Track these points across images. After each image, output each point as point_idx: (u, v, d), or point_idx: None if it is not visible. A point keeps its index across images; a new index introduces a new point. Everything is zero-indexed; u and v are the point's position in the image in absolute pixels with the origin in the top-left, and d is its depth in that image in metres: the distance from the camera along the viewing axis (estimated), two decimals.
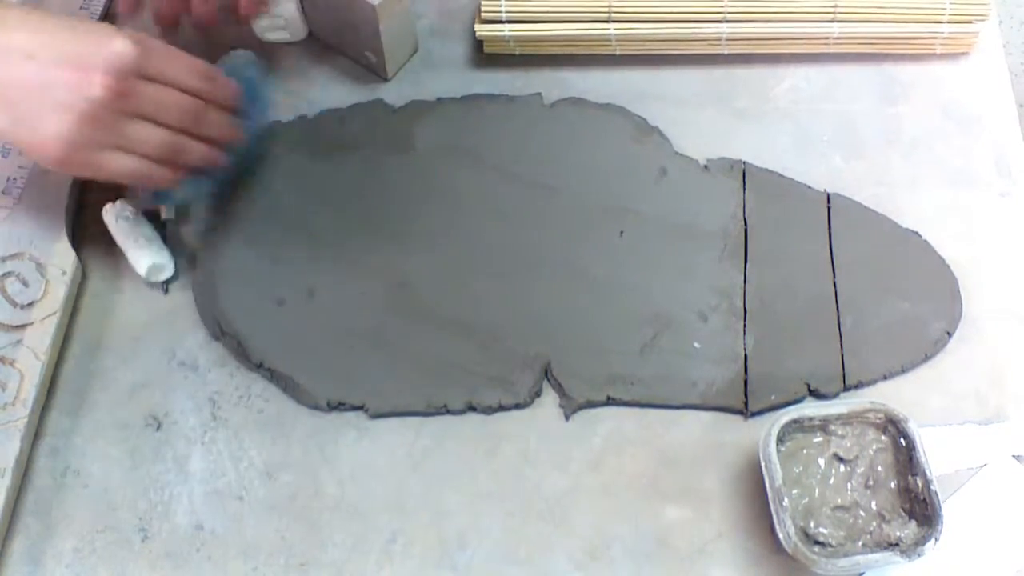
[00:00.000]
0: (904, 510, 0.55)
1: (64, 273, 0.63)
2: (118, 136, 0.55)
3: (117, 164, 0.56)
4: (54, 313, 0.62)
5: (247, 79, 0.63)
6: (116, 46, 0.54)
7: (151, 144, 0.57)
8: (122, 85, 0.54)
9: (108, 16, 0.73)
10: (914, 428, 0.55)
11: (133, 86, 0.55)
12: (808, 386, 0.61)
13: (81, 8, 0.73)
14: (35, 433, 0.60)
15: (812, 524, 0.55)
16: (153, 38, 0.57)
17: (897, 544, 0.54)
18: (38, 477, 0.59)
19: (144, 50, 0.55)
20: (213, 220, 0.66)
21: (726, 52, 0.71)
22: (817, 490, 0.56)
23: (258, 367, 0.62)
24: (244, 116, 0.62)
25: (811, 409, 0.56)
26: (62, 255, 0.63)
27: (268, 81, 0.65)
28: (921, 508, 0.54)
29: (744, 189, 0.66)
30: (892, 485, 0.56)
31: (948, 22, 0.69)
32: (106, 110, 0.54)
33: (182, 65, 0.58)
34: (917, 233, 0.65)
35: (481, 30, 0.70)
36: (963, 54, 0.72)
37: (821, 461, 0.56)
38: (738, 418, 0.61)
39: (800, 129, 0.70)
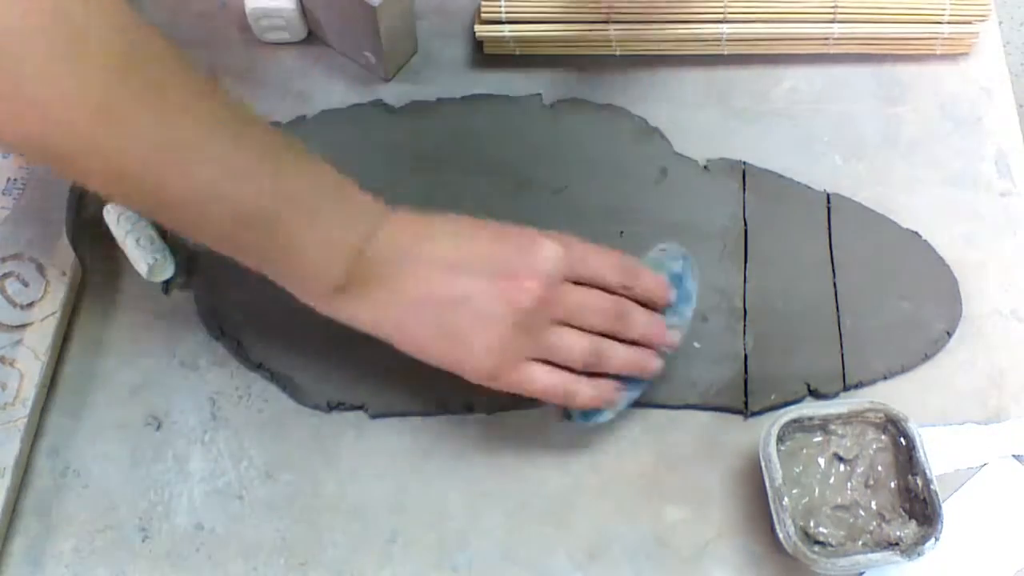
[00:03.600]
0: (904, 510, 0.55)
1: (64, 273, 0.63)
2: (545, 346, 0.52)
3: (544, 379, 0.52)
4: (54, 313, 0.62)
5: (673, 273, 0.57)
6: (544, 251, 0.52)
7: (576, 351, 0.53)
8: (551, 292, 0.51)
9: None
10: (914, 428, 0.55)
11: (561, 292, 0.52)
12: (808, 386, 0.61)
13: None
14: (35, 433, 0.60)
15: (812, 524, 0.55)
16: (573, 236, 0.54)
17: (897, 544, 0.54)
18: (38, 477, 0.59)
19: (569, 253, 0.52)
20: None
21: (726, 52, 0.71)
22: (817, 490, 0.56)
23: (258, 367, 0.62)
24: (669, 312, 0.57)
25: (811, 409, 0.56)
26: (62, 255, 0.63)
27: (695, 273, 0.58)
28: (921, 508, 0.54)
29: (744, 189, 0.66)
30: (892, 485, 0.56)
31: (948, 22, 0.69)
32: (534, 319, 0.51)
33: (607, 264, 0.54)
34: (917, 233, 0.65)
35: (481, 30, 0.70)
36: (963, 54, 0.72)
37: (821, 461, 0.56)
38: (738, 418, 0.61)
39: (800, 129, 0.69)
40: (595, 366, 0.54)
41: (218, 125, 0.48)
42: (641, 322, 0.55)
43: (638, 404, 0.60)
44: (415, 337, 0.52)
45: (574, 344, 0.53)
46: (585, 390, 0.54)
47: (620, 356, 0.54)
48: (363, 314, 0.52)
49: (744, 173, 0.67)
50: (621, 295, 0.54)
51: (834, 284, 0.63)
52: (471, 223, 0.54)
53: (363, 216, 0.52)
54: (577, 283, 0.53)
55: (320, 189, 0.51)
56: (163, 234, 0.65)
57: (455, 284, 0.51)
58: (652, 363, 0.55)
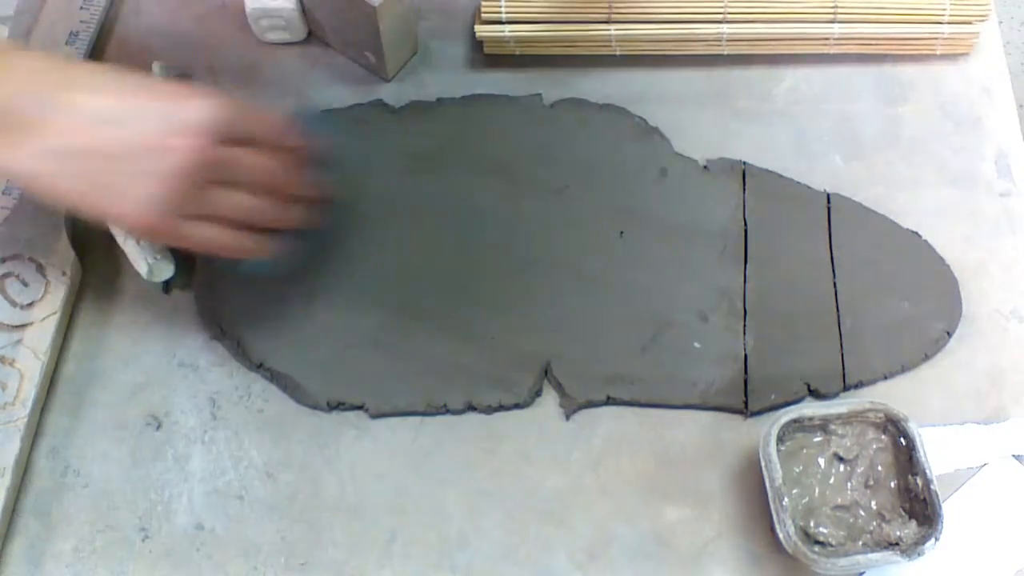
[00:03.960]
0: (904, 510, 0.55)
1: (64, 273, 0.63)
2: (203, 204, 0.53)
3: (204, 234, 0.53)
4: (54, 313, 0.62)
5: (324, 132, 0.59)
6: (199, 110, 0.51)
7: (240, 210, 0.54)
8: (206, 152, 0.51)
9: (103, 21, 0.73)
10: (914, 428, 0.55)
11: (217, 153, 0.52)
12: (808, 386, 0.61)
13: (81, 8, 0.73)
14: (35, 433, 0.60)
15: (812, 524, 0.55)
16: (232, 96, 0.53)
17: (897, 544, 0.54)
18: (38, 477, 0.59)
19: (227, 112, 0.52)
20: None
21: (726, 52, 0.71)
22: (817, 490, 0.56)
23: (258, 367, 0.62)
24: (328, 171, 0.59)
25: (811, 409, 0.56)
26: (62, 255, 0.63)
27: (348, 135, 0.61)
28: (921, 508, 0.54)
29: (744, 189, 0.66)
30: (892, 485, 0.56)
31: (948, 22, 0.69)
32: (190, 178, 0.51)
33: (265, 125, 0.55)
34: (917, 233, 0.65)
35: (481, 31, 0.70)
36: (963, 54, 0.72)
37: (821, 461, 0.56)
38: (738, 418, 0.61)
39: (800, 129, 0.69)
40: (262, 223, 0.56)
41: None
42: (304, 182, 0.57)
43: (638, 404, 0.61)
44: (66, 190, 0.52)
45: (239, 202, 0.54)
46: (251, 242, 0.56)
47: (286, 213, 0.57)
48: (14, 165, 0.51)
49: (744, 173, 0.67)
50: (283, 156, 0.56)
51: (834, 284, 0.63)
52: (116, 75, 0.53)
53: None
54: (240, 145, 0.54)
55: None
56: None
57: (105, 136, 0.50)
58: (317, 218, 0.58)
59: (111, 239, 0.65)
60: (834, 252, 0.64)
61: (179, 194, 0.51)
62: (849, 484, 0.56)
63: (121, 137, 0.50)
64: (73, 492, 0.59)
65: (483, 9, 0.70)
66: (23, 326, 0.61)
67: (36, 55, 0.53)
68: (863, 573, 0.55)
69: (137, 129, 0.51)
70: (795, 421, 0.56)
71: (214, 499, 0.59)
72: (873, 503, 0.55)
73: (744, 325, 0.62)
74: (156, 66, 0.70)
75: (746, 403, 0.60)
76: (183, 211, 0.52)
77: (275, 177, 0.56)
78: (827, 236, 0.65)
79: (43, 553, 0.57)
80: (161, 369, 0.62)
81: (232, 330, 0.62)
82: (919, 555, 0.53)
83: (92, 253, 0.65)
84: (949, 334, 0.62)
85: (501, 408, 0.61)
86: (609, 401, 0.61)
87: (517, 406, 0.61)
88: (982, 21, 0.70)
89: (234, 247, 0.55)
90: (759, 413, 0.60)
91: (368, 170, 0.67)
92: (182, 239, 0.54)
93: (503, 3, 0.70)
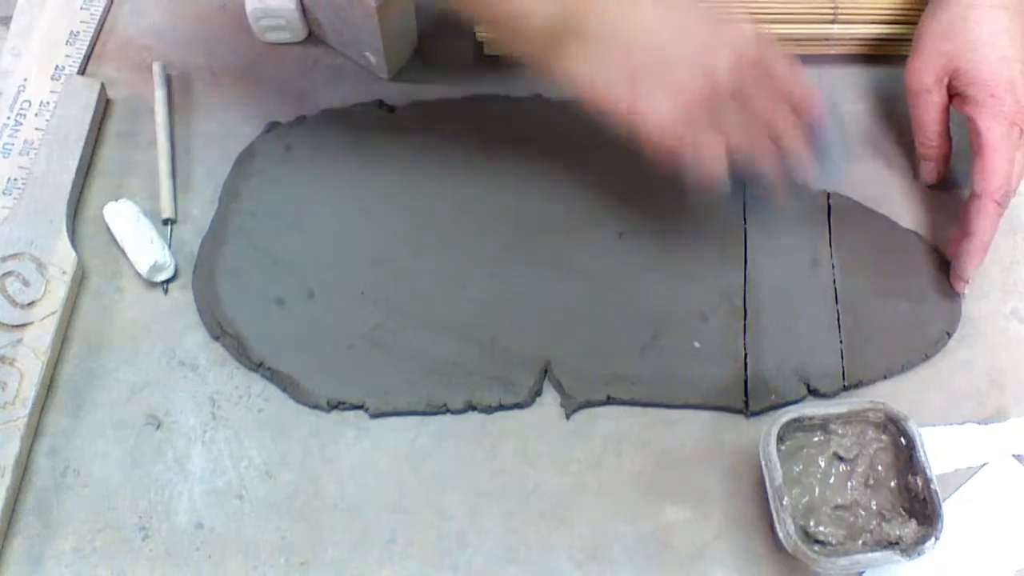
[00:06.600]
0: (904, 509, 0.55)
1: (64, 273, 0.63)
2: (716, 120, 0.55)
3: (709, 149, 0.56)
4: (54, 313, 0.62)
5: (823, 126, 0.59)
6: (740, 37, 0.56)
7: (745, 133, 0.56)
8: (740, 71, 0.55)
9: (103, 21, 0.74)
10: (914, 427, 0.55)
11: (742, 76, 0.55)
12: (808, 386, 0.61)
13: (81, 8, 0.73)
14: (35, 433, 0.60)
15: (812, 523, 0.55)
16: (768, 36, 0.57)
17: (897, 543, 0.54)
18: (38, 477, 0.59)
19: (765, 43, 0.56)
20: (213, 220, 0.66)
21: None
22: (817, 489, 0.56)
23: (258, 367, 0.62)
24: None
25: (811, 408, 0.56)
26: (62, 255, 0.63)
27: (843, 141, 0.60)
28: (921, 507, 0.54)
29: (745, 189, 0.66)
30: (892, 484, 0.56)
31: None
32: (714, 92, 0.55)
33: (789, 69, 0.57)
34: (917, 233, 0.65)
35: (482, 31, 0.70)
36: None
37: (821, 460, 0.56)
38: (738, 418, 0.61)
39: None
40: (751, 152, 0.57)
41: None
42: (794, 137, 0.57)
43: (638, 404, 0.61)
44: (606, 83, 0.55)
45: (747, 125, 0.56)
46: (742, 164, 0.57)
47: (772, 154, 0.57)
48: (559, 70, 0.56)
49: None
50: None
51: (834, 284, 0.63)
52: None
53: None
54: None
55: None
56: (163, 234, 0.65)
57: (658, 54, 0.55)
58: (783, 182, 0.58)
59: (111, 239, 0.65)
60: (834, 252, 0.64)
61: (701, 104, 0.55)
62: (849, 483, 0.56)
63: (666, 53, 0.55)
64: (73, 492, 0.59)
65: None
66: (23, 326, 0.61)
67: None
68: (863, 573, 0.55)
69: (677, 45, 0.55)
70: (795, 421, 0.56)
71: (214, 499, 0.59)
72: (873, 502, 0.55)
73: (744, 325, 0.62)
74: (156, 66, 0.70)
75: (746, 403, 0.60)
76: (699, 121, 0.55)
77: (779, 114, 0.57)
78: (827, 236, 0.65)
79: (43, 553, 0.57)
80: (161, 369, 0.62)
81: (232, 330, 0.62)
82: (919, 554, 0.53)
83: (92, 253, 0.65)
84: (949, 334, 0.62)
85: (501, 408, 0.61)
86: (609, 401, 0.61)
87: (517, 406, 0.61)
88: None
89: (723, 175, 0.56)
90: (759, 413, 0.60)
91: (368, 169, 0.67)
92: (692, 150, 0.56)
93: None
